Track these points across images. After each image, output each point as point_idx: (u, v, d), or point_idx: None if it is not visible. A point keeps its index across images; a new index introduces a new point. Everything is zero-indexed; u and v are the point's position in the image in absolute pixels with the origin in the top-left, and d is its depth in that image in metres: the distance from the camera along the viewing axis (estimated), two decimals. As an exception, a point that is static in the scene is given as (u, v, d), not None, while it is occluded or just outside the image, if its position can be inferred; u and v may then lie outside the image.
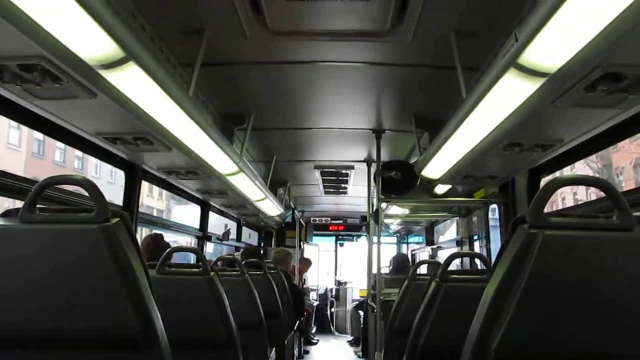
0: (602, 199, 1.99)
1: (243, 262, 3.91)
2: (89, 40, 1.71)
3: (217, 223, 6.23)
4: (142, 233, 6.65)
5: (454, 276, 2.39)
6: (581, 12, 1.52)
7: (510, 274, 1.30)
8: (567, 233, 1.29)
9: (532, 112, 2.20)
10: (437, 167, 3.51)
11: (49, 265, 1.40)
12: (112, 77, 1.94)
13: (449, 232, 8.17)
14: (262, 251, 8.05)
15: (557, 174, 3.31)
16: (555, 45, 1.71)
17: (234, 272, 3.61)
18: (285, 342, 4.70)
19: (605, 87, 1.86)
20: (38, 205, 1.46)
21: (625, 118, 2.23)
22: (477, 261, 4.92)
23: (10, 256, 1.40)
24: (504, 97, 2.17)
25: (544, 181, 3.44)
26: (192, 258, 5.29)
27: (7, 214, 1.48)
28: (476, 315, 1.39)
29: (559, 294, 1.27)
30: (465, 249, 6.08)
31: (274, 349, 4.07)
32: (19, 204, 1.53)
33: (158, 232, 3.99)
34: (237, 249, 7.26)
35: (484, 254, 5.18)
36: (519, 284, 1.28)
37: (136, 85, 2.09)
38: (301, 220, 9.51)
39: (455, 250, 6.70)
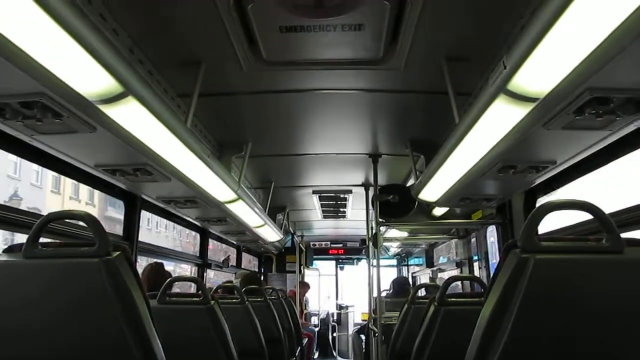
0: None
1: (243, 289, 3.91)
2: (88, 77, 1.76)
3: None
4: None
5: (452, 299, 2.40)
6: (566, 39, 1.57)
7: (503, 299, 1.32)
8: (558, 257, 1.31)
9: (524, 135, 2.24)
10: (433, 190, 3.54)
11: (52, 300, 1.42)
12: (112, 111, 1.98)
13: (449, 252, 8.16)
14: (262, 277, 8.03)
15: (553, 193, 3.35)
16: (542, 71, 1.76)
17: (234, 300, 3.62)
18: (287, 369, 4.67)
19: (593, 110, 1.90)
20: (40, 240, 1.49)
21: (616, 139, 2.28)
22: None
23: (14, 291, 1.42)
24: (496, 122, 2.22)
25: (540, 201, 3.47)
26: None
27: (10, 249, 1.51)
28: (472, 340, 1.41)
29: (552, 318, 1.29)
30: (465, 270, 6.08)
31: (275, 375, 4.05)
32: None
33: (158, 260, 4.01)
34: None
35: (484, 274, 5.19)
36: (513, 308, 1.30)
37: (135, 118, 2.13)
38: (301, 245, 9.51)
39: (455, 271, 6.70)
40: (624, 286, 1.29)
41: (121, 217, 3.70)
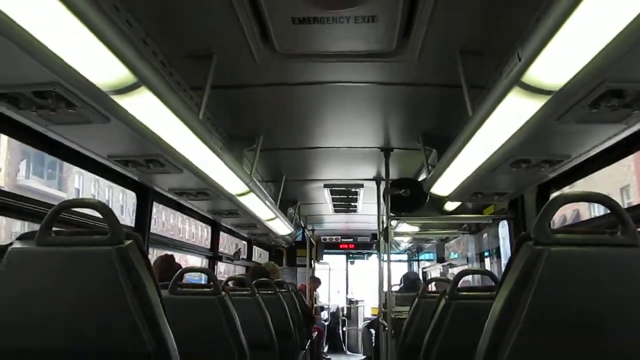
0: (609, 214, 1.99)
1: (253, 282, 3.92)
2: (102, 67, 1.76)
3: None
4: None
5: (463, 293, 2.39)
6: (582, 31, 1.55)
7: (516, 291, 1.31)
8: (572, 249, 1.30)
9: (538, 129, 2.22)
10: (445, 184, 3.53)
11: (65, 288, 1.43)
12: (125, 102, 1.99)
13: (460, 248, 8.13)
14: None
15: (567, 189, 3.32)
16: (557, 63, 1.74)
17: (245, 292, 3.63)
18: (297, 362, 4.69)
19: (609, 103, 1.88)
20: (53, 228, 1.50)
21: (632, 133, 2.25)
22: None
23: (27, 278, 1.44)
24: (510, 115, 2.20)
25: (552, 197, 3.44)
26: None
27: (24, 237, 1.52)
28: (483, 333, 1.40)
29: (565, 310, 1.28)
30: (476, 265, 6.06)
31: (286, 368, 4.07)
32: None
33: (169, 252, 4.04)
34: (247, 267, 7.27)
35: (495, 270, 5.16)
36: (525, 300, 1.29)
37: (148, 109, 2.13)
38: (311, 239, 9.52)
39: (466, 266, 6.68)
40: (638, 279, 1.28)
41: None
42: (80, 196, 21.69)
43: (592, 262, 1.29)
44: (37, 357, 1.44)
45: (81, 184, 24.62)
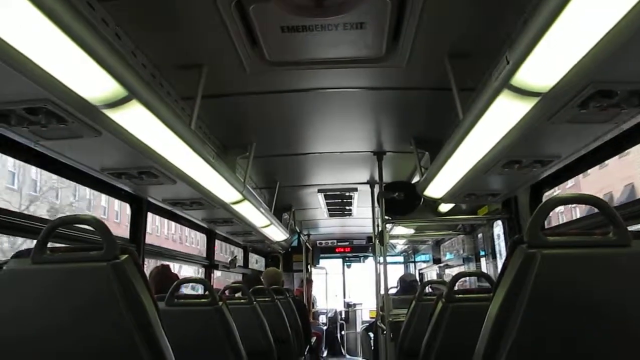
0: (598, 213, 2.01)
1: (250, 290, 3.91)
2: (92, 82, 1.76)
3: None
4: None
5: (460, 296, 2.40)
6: (569, 33, 1.56)
7: (511, 295, 1.32)
8: (565, 251, 1.31)
9: (529, 130, 2.23)
10: (438, 186, 3.54)
11: (61, 305, 1.43)
12: (116, 115, 1.99)
13: (456, 248, 8.15)
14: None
15: (558, 188, 3.34)
16: (545, 65, 1.76)
17: (242, 300, 3.62)
18: (296, 368, 4.68)
19: (597, 103, 1.90)
20: (49, 245, 1.50)
21: (621, 132, 2.27)
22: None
23: (23, 297, 1.43)
24: (500, 117, 2.21)
25: (545, 196, 3.46)
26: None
27: (19, 255, 1.51)
28: (480, 336, 1.41)
29: (561, 312, 1.29)
30: (472, 265, 6.08)
31: (285, 375, 4.06)
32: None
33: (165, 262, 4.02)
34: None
35: (491, 270, 5.18)
36: (521, 304, 1.29)
37: (139, 122, 2.13)
38: (307, 244, 9.51)
39: (463, 266, 6.70)
40: (631, 279, 1.29)
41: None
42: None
43: (585, 263, 1.30)
44: None
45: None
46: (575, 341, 1.29)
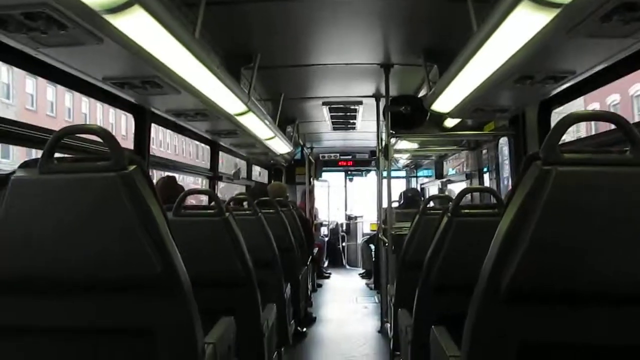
0: (613, 130, 1.97)
1: (255, 202, 3.95)
2: (92, -15, 1.68)
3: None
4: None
5: (466, 211, 2.41)
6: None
7: (523, 211, 1.31)
8: (580, 169, 1.29)
9: (545, 44, 2.15)
10: (447, 100, 3.48)
11: (69, 214, 1.43)
12: (118, 21, 1.91)
13: (459, 164, 8.17)
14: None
15: (568, 105, 3.28)
16: (570, -26, 1.67)
17: (247, 212, 3.67)
18: (299, 277, 4.82)
19: (621, 16, 1.82)
20: (56, 155, 1.48)
21: (638, 49, 2.19)
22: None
23: (31, 206, 1.43)
24: (517, 29, 2.13)
25: (554, 113, 3.41)
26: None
27: (26, 164, 1.50)
28: (489, 252, 1.42)
29: (572, 230, 1.29)
30: (475, 182, 6.11)
31: (289, 284, 4.17)
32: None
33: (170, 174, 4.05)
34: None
35: (494, 186, 5.21)
36: (532, 220, 1.29)
37: (142, 29, 2.06)
38: (310, 157, 9.54)
39: (464, 182, 6.74)
40: None
41: None
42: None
43: (601, 181, 1.28)
44: (45, 283, 1.46)
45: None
46: (586, 258, 1.29)
